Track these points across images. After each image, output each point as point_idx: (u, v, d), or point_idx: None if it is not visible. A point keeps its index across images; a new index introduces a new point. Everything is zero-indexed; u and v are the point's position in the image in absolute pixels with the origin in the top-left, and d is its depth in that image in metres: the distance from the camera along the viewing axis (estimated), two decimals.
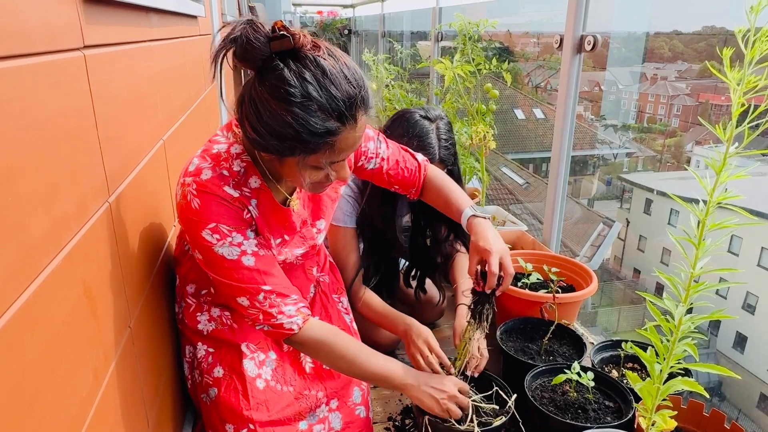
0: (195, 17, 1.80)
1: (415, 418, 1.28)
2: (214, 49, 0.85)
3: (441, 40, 3.28)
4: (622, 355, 1.32)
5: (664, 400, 0.97)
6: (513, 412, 1.12)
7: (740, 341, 10.96)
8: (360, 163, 1.20)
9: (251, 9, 4.29)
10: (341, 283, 1.39)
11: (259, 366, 1.07)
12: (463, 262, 1.60)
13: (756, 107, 0.76)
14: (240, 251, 0.94)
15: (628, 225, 14.11)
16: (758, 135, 0.77)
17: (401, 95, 3.39)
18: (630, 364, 1.35)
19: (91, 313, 0.68)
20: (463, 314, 1.24)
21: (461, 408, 1.07)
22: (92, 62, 0.74)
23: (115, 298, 0.77)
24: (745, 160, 0.94)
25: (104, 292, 0.73)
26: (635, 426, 1.06)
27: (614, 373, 1.31)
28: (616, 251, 14.28)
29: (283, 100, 0.82)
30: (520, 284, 1.60)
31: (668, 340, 0.92)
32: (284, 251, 1.08)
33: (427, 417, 1.08)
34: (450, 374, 1.18)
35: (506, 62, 2.06)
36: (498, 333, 1.42)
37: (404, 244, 1.61)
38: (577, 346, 1.40)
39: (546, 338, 1.39)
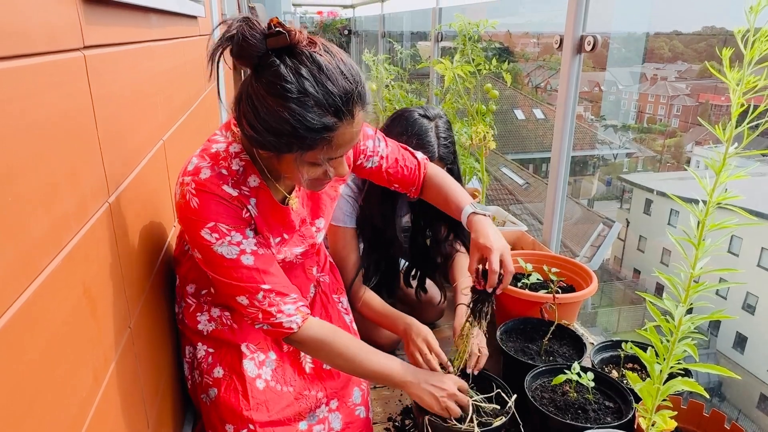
0: (195, 17, 1.80)
1: (414, 418, 1.28)
2: (210, 47, 0.85)
3: (441, 40, 3.28)
4: (622, 355, 1.32)
5: (664, 400, 0.97)
6: (513, 412, 1.12)
7: (740, 341, 10.96)
8: (359, 162, 1.20)
9: (251, 9, 4.29)
10: (341, 283, 1.39)
11: (259, 366, 1.07)
12: (462, 262, 1.60)
13: (755, 107, 0.76)
14: (239, 250, 0.94)
15: (628, 225, 14.12)
16: (758, 135, 0.77)
17: (401, 95, 3.39)
18: (630, 365, 1.35)
19: (91, 313, 0.68)
20: (463, 314, 1.24)
21: (461, 407, 1.07)
22: (92, 62, 0.74)
23: (115, 299, 0.77)
24: (745, 161, 0.94)
25: (104, 292, 0.73)
26: (635, 426, 1.06)
27: (614, 374, 1.31)
28: (616, 251, 14.28)
29: (279, 96, 0.82)
30: (520, 284, 1.60)
31: (668, 341, 0.92)
32: (283, 250, 1.08)
33: (427, 417, 1.08)
34: (449, 373, 1.18)
35: (506, 62, 2.06)
36: (498, 333, 1.42)
37: (404, 244, 1.61)
38: (577, 347, 1.40)
39: (546, 338, 1.39)
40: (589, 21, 1.71)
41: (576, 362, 1.19)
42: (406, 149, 1.27)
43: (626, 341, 1.31)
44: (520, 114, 12.25)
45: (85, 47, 0.72)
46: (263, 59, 0.83)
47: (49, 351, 0.55)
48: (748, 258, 10.57)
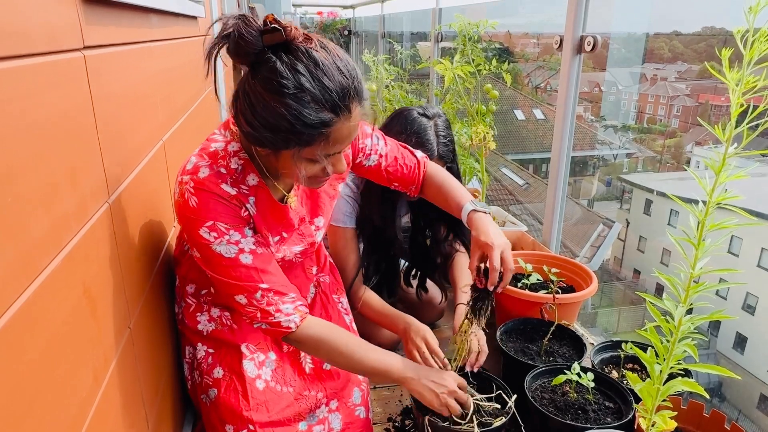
0: (195, 18, 1.80)
1: (414, 418, 1.28)
2: (207, 46, 0.86)
3: (441, 40, 3.28)
4: (622, 355, 1.32)
5: (664, 400, 0.97)
6: (514, 412, 1.12)
7: (740, 342, 10.96)
8: (358, 160, 1.20)
9: (251, 10, 4.30)
10: (341, 283, 1.39)
11: (259, 367, 1.07)
12: (462, 262, 1.60)
13: (755, 107, 0.76)
14: (237, 249, 0.94)
15: (627, 226, 14.12)
16: (757, 135, 0.78)
17: (401, 96, 3.39)
18: (630, 365, 1.35)
19: (91, 313, 0.68)
20: (462, 313, 1.24)
21: (461, 404, 1.07)
22: (92, 63, 0.74)
23: (114, 299, 0.77)
24: (745, 161, 0.94)
25: (104, 292, 0.73)
26: (635, 427, 1.06)
27: (614, 374, 1.31)
28: (616, 252, 14.28)
29: (276, 92, 0.82)
30: (520, 285, 1.60)
31: (668, 341, 0.92)
32: (282, 249, 1.08)
33: (427, 417, 1.08)
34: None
35: (506, 63, 2.06)
36: (498, 334, 1.42)
37: (404, 244, 1.61)
38: (577, 347, 1.40)
39: (546, 339, 1.39)
40: (589, 21, 1.71)
41: (576, 362, 1.19)
42: (405, 148, 1.27)
43: (626, 341, 1.31)
44: (520, 114, 12.26)
45: (85, 47, 0.72)
46: (260, 56, 0.83)
47: (49, 351, 0.55)
48: (748, 258, 10.57)
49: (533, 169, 11.50)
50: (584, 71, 1.80)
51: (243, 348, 1.07)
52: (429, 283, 1.71)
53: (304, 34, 0.85)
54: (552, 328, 1.39)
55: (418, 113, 1.47)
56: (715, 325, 10.97)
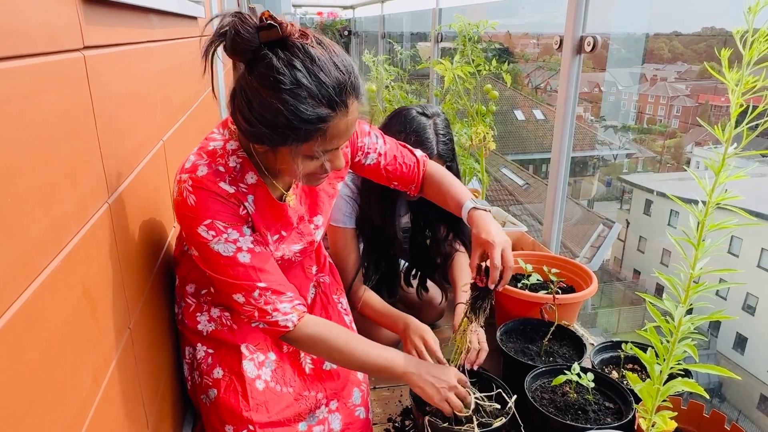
0: (195, 18, 1.80)
1: (414, 419, 1.28)
2: (204, 44, 0.86)
3: (441, 41, 3.29)
4: (622, 356, 1.32)
5: (664, 401, 0.97)
6: (514, 413, 1.12)
7: (740, 342, 10.96)
8: (357, 159, 1.20)
9: (251, 10, 4.30)
10: (341, 284, 1.39)
11: (259, 367, 1.07)
12: (462, 261, 1.60)
13: (754, 108, 0.76)
14: (236, 248, 0.95)
15: (627, 226, 14.12)
16: (757, 135, 0.78)
17: (401, 96, 3.39)
18: (630, 365, 1.35)
19: (91, 313, 0.68)
20: (462, 311, 1.24)
21: (461, 399, 1.07)
22: (92, 63, 0.74)
23: (114, 299, 0.77)
24: (745, 161, 0.94)
25: (104, 292, 0.73)
26: (635, 427, 1.06)
27: (614, 374, 1.31)
28: (616, 252, 14.29)
29: (272, 88, 0.82)
30: (520, 285, 1.60)
31: (668, 341, 0.92)
32: (282, 247, 1.08)
33: (427, 418, 1.08)
34: None
35: (506, 63, 2.06)
36: (498, 334, 1.42)
37: (404, 244, 1.61)
38: (577, 347, 1.40)
39: (546, 339, 1.39)
40: (589, 22, 1.71)
41: (576, 363, 1.19)
42: (404, 147, 1.27)
43: (626, 342, 1.31)
44: (520, 115, 12.27)
45: (85, 47, 0.72)
46: (256, 53, 0.83)
47: (48, 351, 0.55)
48: (748, 259, 10.58)
49: (533, 169, 11.51)
50: (584, 71, 1.80)
51: (243, 348, 1.07)
52: (429, 284, 1.71)
53: (300, 30, 0.86)
54: (552, 329, 1.39)
55: (417, 112, 1.47)
56: (715, 326, 10.98)
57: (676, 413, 1.00)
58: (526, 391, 1.17)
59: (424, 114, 1.47)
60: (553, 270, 1.53)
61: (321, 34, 0.89)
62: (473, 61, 2.09)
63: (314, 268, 1.27)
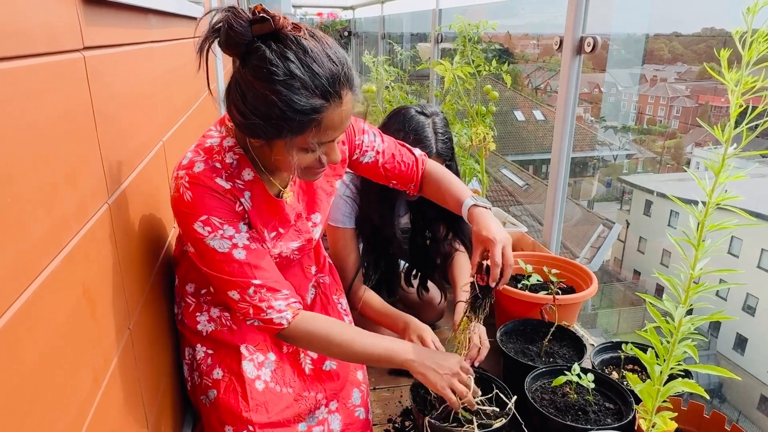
0: (195, 19, 1.80)
1: (414, 420, 1.28)
2: (198, 41, 0.86)
3: (441, 41, 3.29)
4: (623, 356, 1.32)
5: (664, 401, 0.97)
6: (514, 413, 1.12)
7: (740, 343, 10.96)
8: (354, 157, 1.20)
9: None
10: (341, 284, 1.39)
11: (258, 367, 1.07)
12: (462, 261, 1.60)
13: (754, 108, 0.76)
14: (231, 244, 0.95)
15: (627, 226, 14.13)
16: (757, 136, 0.78)
17: (401, 97, 3.39)
18: (630, 366, 1.35)
19: (91, 314, 0.68)
20: (462, 310, 1.24)
21: (462, 395, 1.06)
22: (92, 63, 0.74)
23: (114, 300, 0.77)
24: (744, 162, 0.94)
25: (104, 293, 0.73)
26: (635, 428, 1.06)
27: (614, 375, 1.31)
28: (616, 253, 14.29)
29: (266, 79, 0.82)
30: (520, 286, 1.60)
31: (668, 342, 0.92)
32: (279, 245, 1.08)
33: (427, 418, 1.08)
34: None
35: (506, 64, 2.06)
36: (498, 335, 1.42)
37: (404, 245, 1.61)
38: (578, 348, 1.40)
39: (546, 340, 1.39)
40: (589, 22, 1.71)
41: (576, 363, 1.19)
42: (403, 146, 1.27)
43: (626, 342, 1.31)
44: (520, 115, 12.28)
45: (85, 48, 0.72)
46: (250, 46, 0.84)
47: (49, 351, 0.55)
48: (748, 259, 10.58)
49: (533, 170, 11.51)
50: (584, 72, 1.80)
51: (242, 349, 1.07)
52: (429, 284, 1.71)
53: (292, 23, 0.86)
54: (552, 329, 1.39)
55: (416, 111, 1.47)
56: (715, 326, 10.98)
57: (676, 414, 1.00)
58: (527, 392, 1.17)
59: (422, 113, 1.47)
60: (553, 270, 1.53)
61: (314, 28, 0.90)
62: (473, 61, 2.09)
63: (313, 268, 1.27)
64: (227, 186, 0.95)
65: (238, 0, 3.83)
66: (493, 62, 2.07)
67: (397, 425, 1.34)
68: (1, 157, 0.49)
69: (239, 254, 0.95)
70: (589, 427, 1.09)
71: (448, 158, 1.48)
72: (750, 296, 10.68)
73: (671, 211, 12.94)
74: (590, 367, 1.28)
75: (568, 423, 1.10)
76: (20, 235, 0.51)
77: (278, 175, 1.05)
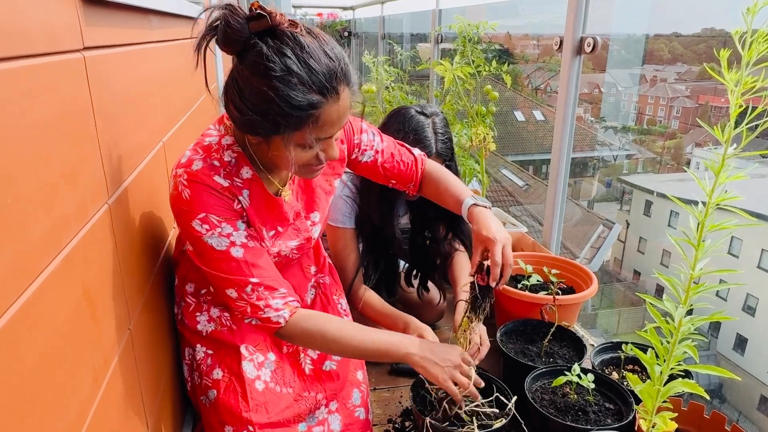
0: (195, 19, 1.80)
1: (415, 420, 1.28)
2: (196, 39, 0.86)
3: (441, 42, 3.29)
4: (623, 356, 1.32)
5: (664, 402, 0.97)
6: (514, 413, 1.12)
7: (740, 343, 10.96)
8: (353, 156, 1.20)
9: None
10: (340, 284, 1.39)
11: (258, 367, 1.07)
12: (462, 261, 1.60)
13: (754, 108, 0.76)
14: (229, 242, 0.95)
15: (627, 227, 14.13)
16: (756, 136, 0.78)
17: (401, 97, 3.39)
18: (630, 366, 1.35)
19: (91, 314, 0.68)
20: (462, 309, 1.24)
21: (464, 386, 1.05)
22: (92, 63, 0.74)
23: (114, 300, 0.77)
24: (744, 162, 0.94)
25: (104, 293, 0.73)
26: (636, 428, 1.06)
27: (614, 375, 1.31)
28: (616, 253, 14.30)
29: (263, 75, 0.83)
30: (520, 286, 1.60)
31: (668, 342, 0.92)
32: (278, 243, 1.08)
33: (428, 419, 1.08)
34: None
35: (506, 64, 2.06)
36: (498, 335, 1.42)
37: (404, 245, 1.61)
38: (578, 348, 1.40)
39: (546, 340, 1.39)
40: (589, 22, 1.71)
41: (576, 364, 1.19)
42: (402, 145, 1.27)
43: (626, 343, 1.31)
44: (520, 115, 12.28)
45: (85, 48, 0.72)
46: (247, 43, 0.84)
47: (49, 352, 0.55)
48: (748, 259, 10.58)
49: (533, 170, 11.51)
50: (584, 72, 1.80)
51: (242, 349, 1.07)
52: (429, 284, 1.71)
53: (289, 20, 0.86)
54: (552, 330, 1.39)
55: (416, 111, 1.47)
56: (715, 327, 10.98)
57: (676, 414, 1.00)
58: (527, 392, 1.17)
59: (422, 113, 1.47)
60: (553, 271, 1.53)
61: (311, 25, 0.90)
62: (473, 62, 2.09)
63: (313, 268, 1.27)
64: (225, 184, 0.95)
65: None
66: (493, 62, 2.07)
67: (397, 425, 1.34)
68: (1, 157, 0.49)
69: (237, 252, 0.95)
70: (589, 427, 1.09)
71: (447, 158, 1.48)
72: (750, 296, 10.68)
73: (671, 211, 12.94)
74: (590, 368, 1.28)
75: (568, 423, 1.10)
76: (20, 235, 0.51)
77: (277, 174, 1.05)
